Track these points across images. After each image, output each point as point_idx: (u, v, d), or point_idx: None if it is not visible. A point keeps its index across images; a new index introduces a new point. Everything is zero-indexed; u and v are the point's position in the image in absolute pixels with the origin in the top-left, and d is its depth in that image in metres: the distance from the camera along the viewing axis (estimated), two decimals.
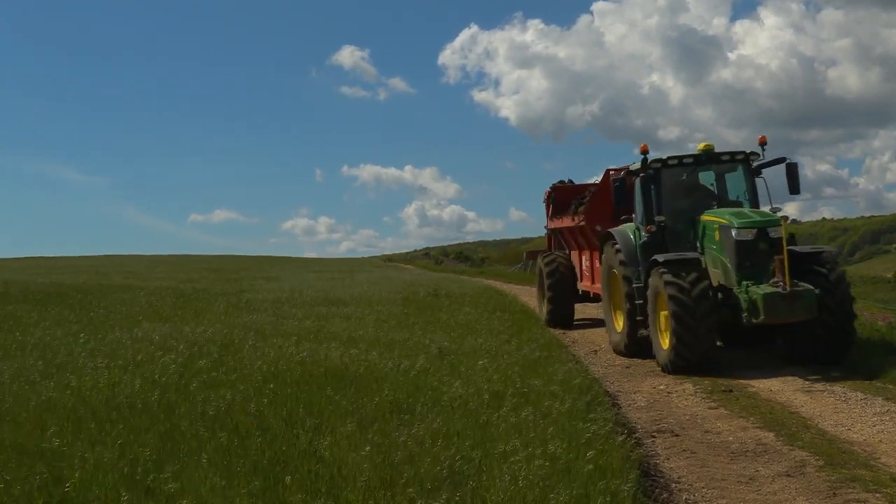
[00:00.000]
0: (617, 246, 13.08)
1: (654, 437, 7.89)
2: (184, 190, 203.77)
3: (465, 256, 74.23)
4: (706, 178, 13.20)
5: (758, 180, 12.55)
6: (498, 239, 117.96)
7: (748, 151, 12.55)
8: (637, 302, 12.23)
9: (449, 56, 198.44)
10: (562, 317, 17.01)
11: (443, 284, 26.97)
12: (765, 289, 10.56)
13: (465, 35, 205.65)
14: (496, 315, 16.20)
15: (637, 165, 12.94)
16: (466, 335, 12.73)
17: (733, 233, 11.14)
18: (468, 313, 16.24)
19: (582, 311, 17.79)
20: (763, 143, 12.52)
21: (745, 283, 10.91)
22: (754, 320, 10.67)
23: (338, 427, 6.76)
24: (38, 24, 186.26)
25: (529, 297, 25.18)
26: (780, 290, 10.46)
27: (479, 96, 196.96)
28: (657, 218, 12.36)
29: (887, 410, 8.57)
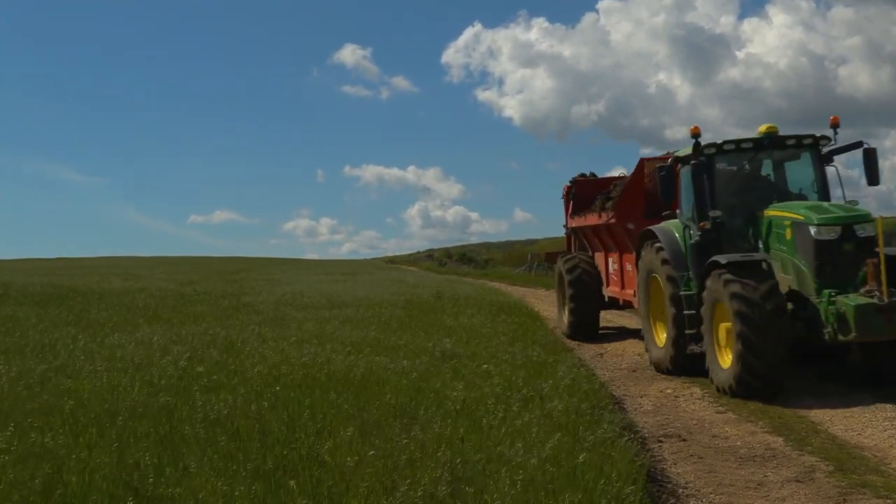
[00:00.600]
0: (659, 245, 11.43)
1: (660, 441, 7.79)
2: (183, 190, 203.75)
3: (469, 258, 74.06)
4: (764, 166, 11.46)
5: (828, 169, 10.90)
6: (502, 240, 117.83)
7: (818, 135, 10.81)
8: (686, 312, 10.57)
9: (452, 55, 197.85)
10: (586, 326, 15.30)
11: (446, 287, 26.91)
12: (856, 299, 8.87)
13: (468, 33, 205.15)
14: (500, 318, 16.09)
15: (686, 151, 11.20)
16: (470, 338, 12.64)
17: (812, 231, 9.50)
18: (472, 316, 16.14)
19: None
20: (836, 125, 10.78)
21: (826, 291, 9.25)
22: (842, 337, 8.97)
23: (339, 431, 6.68)
24: (38, 24, 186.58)
25: (535, 299, 25.16)
26: (875, 300, 8.77)
27: (483, 95, 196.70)
28: (712, 213, 10.59)
29: None
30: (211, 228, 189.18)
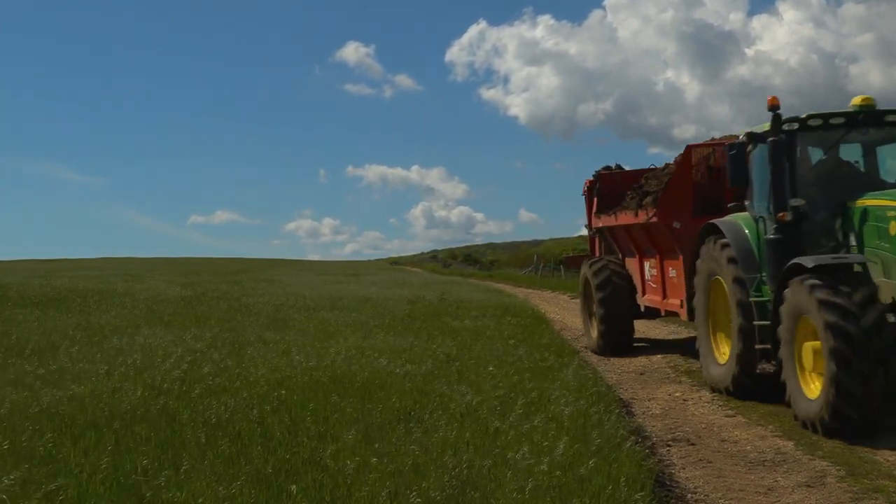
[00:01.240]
0: (725, 241, 9.53)
1: (669, 445, 7.69)
2: (184, 191, 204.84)
3: (474, 259, 74.15)
4: (845, 152, 9.45)
5: None
6: (507, 241, 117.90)
7: None
8: (758, 323, 8.88)
9: (456, 53, 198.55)
10: (619, 338, 13.44)
11: (451, 288, 26.88)
12: None
13: (473, 31, 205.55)
14: (506, 320, 16.02)
15: (765, 127, 9.10)
16: (475, 341, 12.56)
17: None
18: (476, 318, 16.07)
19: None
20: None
21: None
22: None
23: (343, 435, 6.61)
24: (38, 24, 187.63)
25: (540, 300, 25.11)
26: None
27: (488, 94, 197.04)
28: (793, 202, 8.70)
29: None
30: (212, 229, 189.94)
